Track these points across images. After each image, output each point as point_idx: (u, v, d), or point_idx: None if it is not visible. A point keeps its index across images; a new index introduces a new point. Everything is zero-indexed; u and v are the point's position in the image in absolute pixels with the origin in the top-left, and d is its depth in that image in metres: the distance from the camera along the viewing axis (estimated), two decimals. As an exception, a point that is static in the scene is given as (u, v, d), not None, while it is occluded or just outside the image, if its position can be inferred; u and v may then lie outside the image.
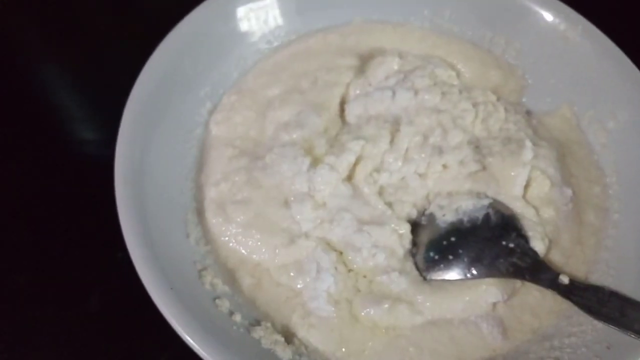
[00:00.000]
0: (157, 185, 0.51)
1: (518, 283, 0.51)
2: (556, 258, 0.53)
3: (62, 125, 0.70)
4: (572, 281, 0.49)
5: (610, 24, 0.60)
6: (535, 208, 0.54)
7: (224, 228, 0.52)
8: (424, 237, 0.54)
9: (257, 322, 0.47)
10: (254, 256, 0.51)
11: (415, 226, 0.54)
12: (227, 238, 0.52)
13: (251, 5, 0.61)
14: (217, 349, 0.41)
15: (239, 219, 0.52)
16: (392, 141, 0.56)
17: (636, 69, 0.56)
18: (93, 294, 0.57)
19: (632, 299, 0.47)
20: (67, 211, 0.61)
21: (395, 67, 0.61)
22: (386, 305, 0.48)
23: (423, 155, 0.56)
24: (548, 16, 0.61)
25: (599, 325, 0.46)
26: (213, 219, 0.52)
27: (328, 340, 0.47)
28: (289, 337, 0.48)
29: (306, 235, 0.51)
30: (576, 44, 0.60)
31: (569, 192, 0.55)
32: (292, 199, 0.53)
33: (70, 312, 0.56)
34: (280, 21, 0.64)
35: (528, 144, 0.56)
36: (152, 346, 0.53)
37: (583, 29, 0.60)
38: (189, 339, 0.41)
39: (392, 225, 0.52)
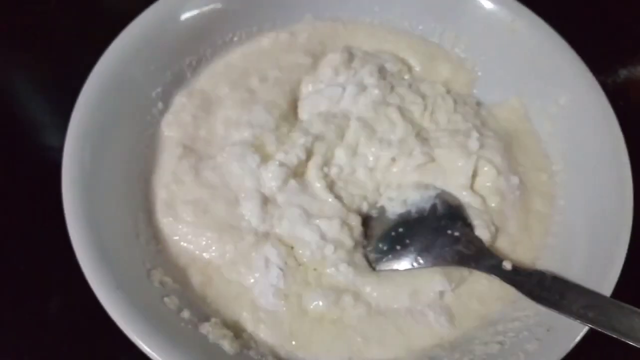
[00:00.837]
0: (107, 187, 0.51)
1: (466, 272, 0.52)
2: (504, 245, 0.54)
3: (22, 129, 0.70)
4: (515, 267, 0.50)
5: (555, 15, 0.61)
6: (482, 197, 0.55)
7: (174, 227, 0.52)
8: (375, 229, 0.55)
9: (207, 319, 0.48)
10: (205, 254, 0.52)
11: (367, 219, 0.55)
12: (177, 237, 0.52)
13: (201, 6, 0.62)
14: (161, 345, 0.42)
15: (189, 219, 0.52)
16: (342, 136, 0.57)
17: (576, 55, 0.58)
18: (52, 297, 0.57)
19: (571, 282, 0.48)
20: (27, 216, 0.61)
21: (345, 64, 0.62)
22: (333, 297, 0.49)
23: (372, 149, 0.57)
24: (495, 9, 0.62)
25: (542, 309, 0.47)
26: (163, 219, 0.53)
27: (277, 334, 0.48)
28: (238, 332, 0.48)
29: (256, 232, 0.52)
30: (522, 35, 0.61)
31: (515, 180, 0.56)
32: (242, 196, 0.53)
33: (29, 316, 0.56)
34: (231, 21, 0.64)
35: (474, 134, 0.57)
36: (111, 348, 0.54)
37: (529, 21, 0.61)
38: (133, 335, 0.42)
39: (342, 218, 0.53)
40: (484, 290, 0.52)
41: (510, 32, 0.62)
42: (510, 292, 0.51)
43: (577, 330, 0.44)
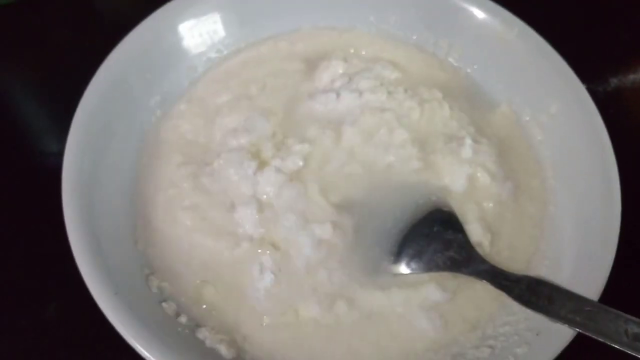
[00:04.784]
0: (106, 193, 0.52)
1: (460, 278, 0.53)
2: (496, 250, 0.55)
3: (20, 135, 0.70)
4: (505, 272, 0.51)
5: (546, 25, 0.62)
6: (476, 203, 0.56)
7: (172, 233, 0.53)
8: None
9: (204, 324, 0.49)
10: (202, 259, 0.53)
11: (362, 224, 0.56)
12: (175, 243, 0.53)
13: (199, 16, 0.63)
14: (159, 349, 0.43)
15: (186, 224, 0.53)
16: (338, 142, 0.58)
17: (566, 64, 0.59)
18: (50, 303, 0.58)
19: (560, 287, 0.49)
20: (27, 222, 0.62)
21: (341, 71, 0.63)
22: (327, 302, 0.50)
23: (368, 154, 0.57)
24: (486, 19, 0.63)
25: (532, 313, 0.48)
26: (161, 224, 0.54)
27: (272, 339, 0.49)
28: (235, 337, 0.49)
29: (251, 238, 0.53)
30: (512, 44, 0.62)
31: (509, 186, 0.57)
32: (238, 202, 0.54)
33: (27, 320, 0.57)
34: (229, 31, 0.65)
35: (468, 141, 0.58)
36: (108, 353, 0.54)
37: (519, 30, 0.62)
38: (131, 339, 0.43)
39: (337, 223, 0.54)
40: (476, 296, 0.52)
41: (501, 42, 0.63)
42: (501, 297, 0.52)
43: (566, 334, 0.45)
